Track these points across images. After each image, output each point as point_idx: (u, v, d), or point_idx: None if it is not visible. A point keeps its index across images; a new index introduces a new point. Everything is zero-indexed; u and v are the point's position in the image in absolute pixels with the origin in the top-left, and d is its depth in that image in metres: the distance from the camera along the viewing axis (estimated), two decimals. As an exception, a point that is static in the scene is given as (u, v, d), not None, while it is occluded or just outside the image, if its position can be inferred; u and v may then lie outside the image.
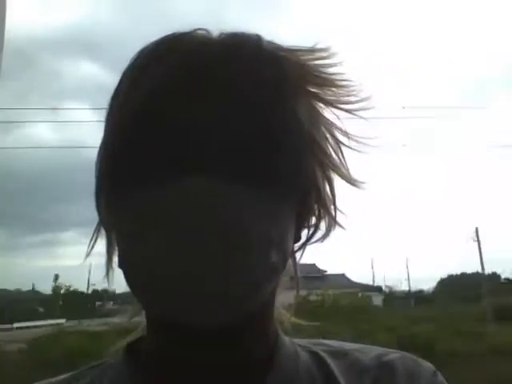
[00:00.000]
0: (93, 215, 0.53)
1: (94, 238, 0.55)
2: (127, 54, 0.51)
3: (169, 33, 0.51)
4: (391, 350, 0.57)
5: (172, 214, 0.43)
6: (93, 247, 0.55)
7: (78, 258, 0.58)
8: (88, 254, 0.55)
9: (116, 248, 0.52)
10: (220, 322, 0.44)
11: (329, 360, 0.54)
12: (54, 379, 0.57)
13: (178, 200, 0.43)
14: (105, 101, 0.52)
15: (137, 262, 0.45)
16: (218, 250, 0.43)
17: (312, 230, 0.55)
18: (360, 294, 26.32)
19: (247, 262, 0.44)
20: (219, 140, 0.45)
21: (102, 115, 0.52)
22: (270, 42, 0.51)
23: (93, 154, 0.52)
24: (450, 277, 48.47)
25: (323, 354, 0.55)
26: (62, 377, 0.57)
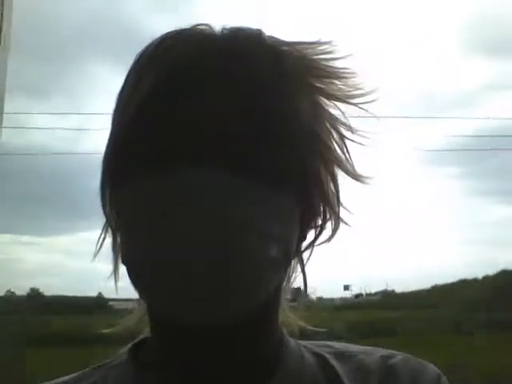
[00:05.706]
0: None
1: (101, 238, 0.55)
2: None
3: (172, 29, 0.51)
4: (395, 352, 0.56)
5: (169, 205, 0.44)
6: (101, 246, 0.55)
7: None
8: (96, 254, 0.55)
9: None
10: (219, 316, 0.44)
11: (333, 362, 0.54)
12: (56, 381, 0.57)
13: (176, 192, 0.44)
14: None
15: (135, 255, 0.46)
16: (216, 242, 0.43)
17: (318, 230, 0.55)
18: None
19: (246, 254, 0.44)
20: (217, 133, 0.45)
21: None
22: (272, 37, 0.52)
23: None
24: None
25: (328, 356, 0.55)
26: (64, 378, 0.57)
